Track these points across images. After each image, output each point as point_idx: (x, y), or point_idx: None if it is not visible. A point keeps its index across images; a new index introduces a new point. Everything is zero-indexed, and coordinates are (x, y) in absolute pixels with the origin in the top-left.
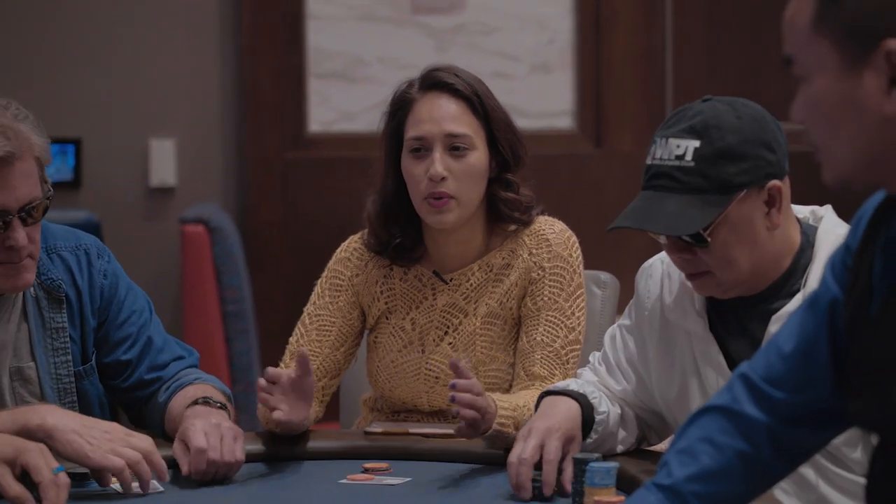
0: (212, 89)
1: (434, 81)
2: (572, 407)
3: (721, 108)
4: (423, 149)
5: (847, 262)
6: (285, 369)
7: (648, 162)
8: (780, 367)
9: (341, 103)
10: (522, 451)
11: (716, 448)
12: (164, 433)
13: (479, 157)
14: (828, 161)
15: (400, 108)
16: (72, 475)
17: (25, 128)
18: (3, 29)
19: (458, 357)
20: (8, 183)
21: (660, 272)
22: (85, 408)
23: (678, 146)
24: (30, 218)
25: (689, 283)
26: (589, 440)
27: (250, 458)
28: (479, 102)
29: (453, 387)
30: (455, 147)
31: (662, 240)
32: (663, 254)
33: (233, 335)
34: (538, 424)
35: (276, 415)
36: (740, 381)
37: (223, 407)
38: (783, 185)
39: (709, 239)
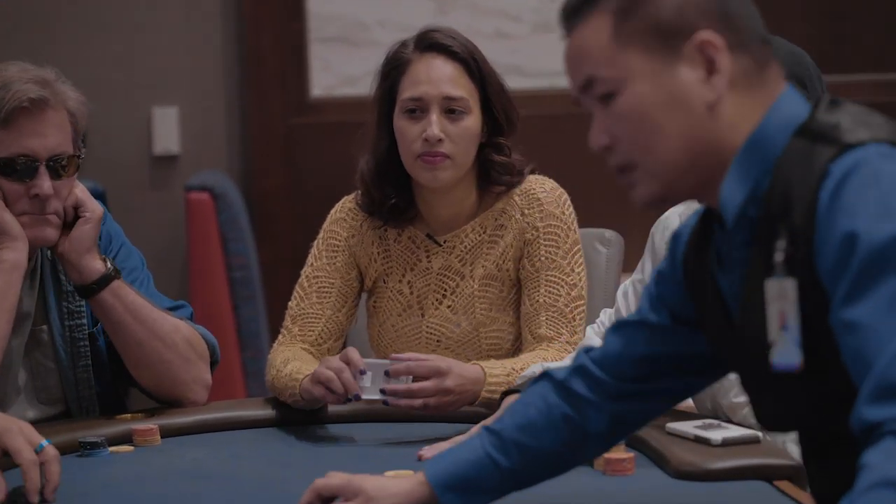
0: (214, 56)
1: (431, 42)
2: None
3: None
4: (418, 110)
5: (661, 289)
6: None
7: None
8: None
9: (343, 68)
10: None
11: (546, 406)
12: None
13: (473, 120)
14: (652, 171)
15: (394, 68)
16: (84, 444)
17: (64, 86)
18: (5, 2)
19: (458, 320)
20: (39, 129)
21: (676, 223)
22: (98, 370)
23: None
24: (59, 170)
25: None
26: None
27: (262, 423)
28: (476, 66)
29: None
30: (451, 110)
31: None
32: (679, 207)
33: (240, 302)
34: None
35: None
36: (576, 362)
37: None
38: None
39: None
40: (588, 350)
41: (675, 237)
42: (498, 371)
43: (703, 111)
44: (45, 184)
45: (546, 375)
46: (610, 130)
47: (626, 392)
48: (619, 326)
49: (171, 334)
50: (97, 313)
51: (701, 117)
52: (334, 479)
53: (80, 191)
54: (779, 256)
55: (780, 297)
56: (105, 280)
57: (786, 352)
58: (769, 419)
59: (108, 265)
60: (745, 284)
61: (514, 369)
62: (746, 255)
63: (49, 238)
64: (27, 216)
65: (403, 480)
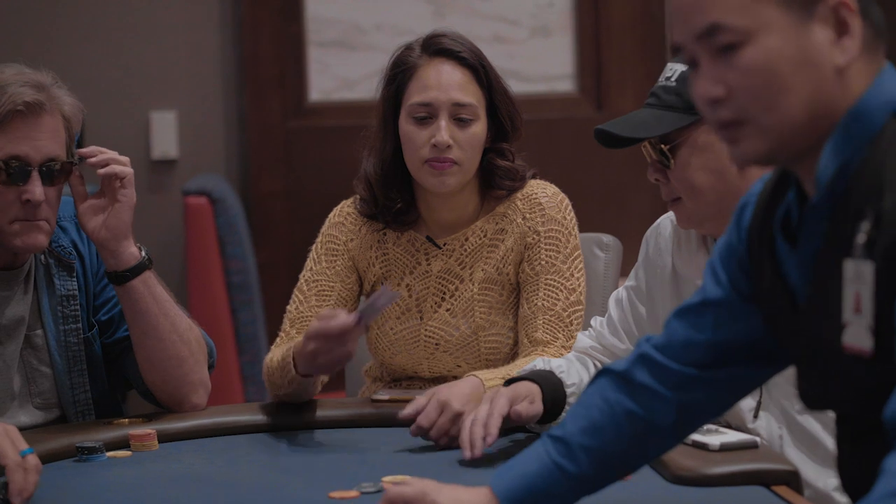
0: (212, 60)
1: (440, 48)
2: (530, 384)
3: None
4: (427, 115)
5: (726, 263)
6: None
7: None
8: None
9: (341, 71)
10: (476, 413)
11: (607, 404)
12: (143, 385)
13: (481, 126)
14: (762, 129)
15: (401, 71)
16: (82, 448)
17: (60, 91)
18: (3, 6)
19: (457, 323)
20: (33, 134)
21: (669, 230)
22: (94, 374)
23: (671, 69)
24: (51, 176)
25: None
26: (564, 415)
27: (260, 428)
28: (484, 72)
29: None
30: (460, 116)
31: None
32: (672, 214)
33: (237, 306)
34: (487, 394)
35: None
36: (638, 351)
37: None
38: None
39: (671, 157)
40: (648, 339)
41: (742, 207)
42: (494, 382)
43: (831, 74)
44: (37, 189)
45: (605, 372)
46: (727, 82)
47: (693, 380)
48: (681, 312)
49: (187, 332)
50: (124, 302)
51: (828, 80)
52: (408, 489)
53: (129, 171)
54: (861, 238)
55: (857, 280)
56: (139, 268)
57: (858, 335)
58: (813, 398)
59: (143, 253)
60: (817, 260)
61: (508, 374)
62: (825, 230)
63: (40, 244)
64: (18, 223)
65: (474, 494)
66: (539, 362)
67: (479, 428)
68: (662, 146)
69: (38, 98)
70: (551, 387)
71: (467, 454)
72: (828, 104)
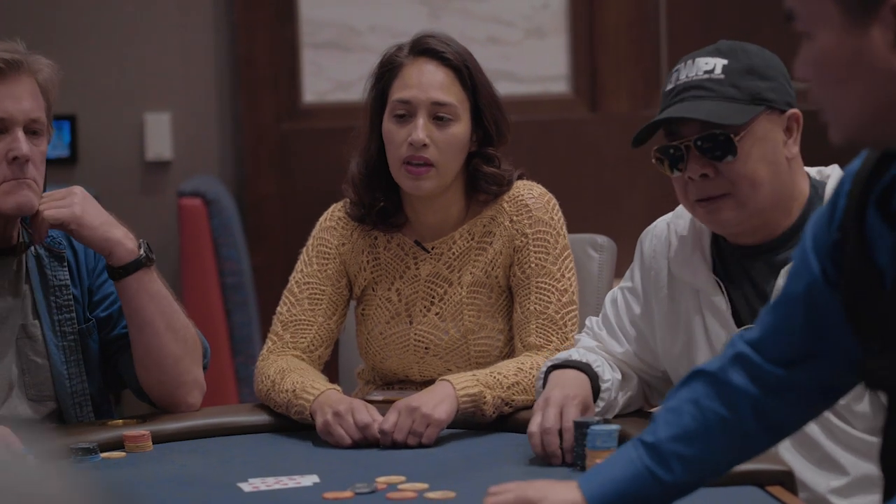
0: (206, 62)
1: (424, 48)
2: (581, 376)
3: (741, 42)
4: (406, 113)
5: (822, 244)
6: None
7: (671, 85)
8: (768, 342)
9: (336, 73)
10: (544, 420)
11: (700, 410)
12: (137, 384)
13: (461, 128)
14: (835, 119)
15: (387, 70)
16: (77, 450)
17: (34, 57)
18: None
19: (446, 327)
20: (15, 93)
21: (665, 233)
22: (90, 367)
23: (706, 63)
24: (34, 137)
25: (703, 218)
26: (596, 409)
27: (254, 429)
28: (469, 74)
29: None
30: (439, 116)
31: (676, 174)
32: (668, 216)
33: (232, 307)
34: (555, 394)
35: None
36: (731, 348)
37: None
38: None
39: (738, 147)
40: (742, 335)
41: (840, 185)
42: (464, 381)
43: (887, 77)
44: (23, 146)
45: (697, 373)
46: (807, 68)
47: (780, 382)
48: (773, 304)
49: (183, 330)
50: (122, 297)
51: (884, 82)
52: (509, 496)
53: (49, 212)
54: None
55: None
56: (134, 265)
57: None
58: (880, 378)
59: (142, 251)
60: None
61: (479, 376)
62: None
63: (30, 203)
64: (7, 183)
65: (568, 492)
66: (574, 353)
67: (553, 438)
68: (732, 136)
69: (17, 57)
70: (594, 380)
71: (553, 462)
72: (891, 104)
